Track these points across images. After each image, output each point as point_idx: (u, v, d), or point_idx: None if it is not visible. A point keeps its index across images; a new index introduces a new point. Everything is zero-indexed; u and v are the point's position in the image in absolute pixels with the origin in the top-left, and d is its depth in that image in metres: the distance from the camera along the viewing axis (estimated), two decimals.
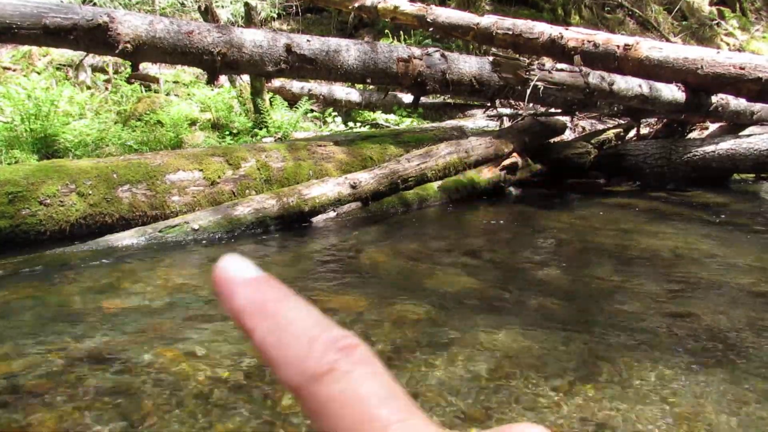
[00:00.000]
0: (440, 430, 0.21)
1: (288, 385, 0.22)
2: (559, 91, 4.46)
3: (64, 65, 6.55)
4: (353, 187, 3.58)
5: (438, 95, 6.78)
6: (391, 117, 6.99)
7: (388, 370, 0.22)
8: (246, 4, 6.00)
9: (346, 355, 0.22)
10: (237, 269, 0.24)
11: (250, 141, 5.42)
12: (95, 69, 6.52)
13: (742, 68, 4.47)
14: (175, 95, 6.43)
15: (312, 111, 6.68)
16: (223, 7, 7.78)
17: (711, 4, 13.47)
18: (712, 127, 6.14)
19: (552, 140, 5.45)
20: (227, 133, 5.69)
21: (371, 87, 6.85)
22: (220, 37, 3.52)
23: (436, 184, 4.10)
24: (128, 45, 3.22)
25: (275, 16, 8.90)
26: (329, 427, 0.21)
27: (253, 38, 3.65)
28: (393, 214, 3.76)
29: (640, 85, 4.69)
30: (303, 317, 0.23)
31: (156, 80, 6.56)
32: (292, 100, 6.54)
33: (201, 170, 3.44)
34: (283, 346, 0.22)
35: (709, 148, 4.89)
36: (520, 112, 5.35)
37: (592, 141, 5.54)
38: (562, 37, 4.95)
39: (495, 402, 1.49)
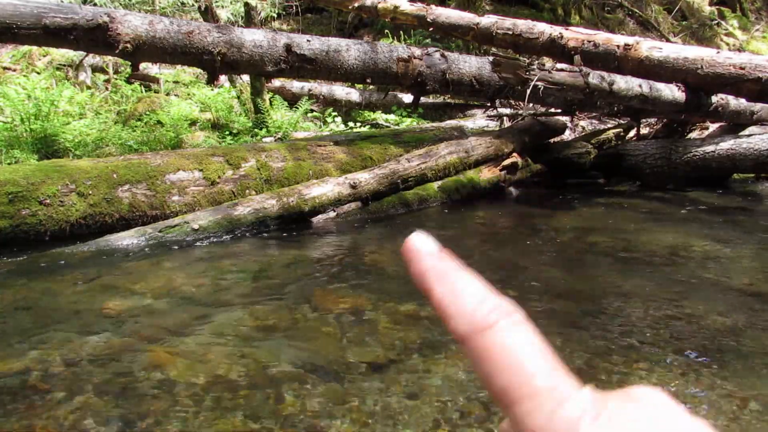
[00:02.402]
0: (587, 389, 0.25)
1: (457, 334, 0.27)
2: (559, 91, 4.46)
3: (64, 65, 6.55)
4: (353, 187, 3.58)
5: (438, 95, 6.78)
6: (391, 117, 6.99)
7: (540, 335, 0.27)
8: (246, 4, 6.00)
9: (507, 316, 0.27)
10: (423, 243, 0.30)
11: (250, 141, 5.42)
12: (95, 69, 6.52)
13: (742, 68, 4.47)
14: (175, 95, 6.43)
15: (312, 111, 6.68)
16: (223, 7, 7.78)
17: (711, 4, 13.47)
18: (712, 127, 6.13)
19: (552, 140, 5.45)
20: (227, 133, 5.69)
21: (371, 87, 6.85)
22: (220, 37, 3.52)
23: (436, 184, 4.10)
24: (128, 45, 3.22)
25: (275, 16, 8.90)
26: (487, 371, 0.26)
27: (253, 38, 3.65)
28: (393, 214, 3.76)
29: (640, 85, 4.69)
30: (473, 284, 0.28)
31: (156, 80, 6.56)
32: (292, 100, 6.54)
33: (201, 170, 3.44)
34: (457, 304, 0.27)
35: (709, 148, 4.89)
36: (520, 112, 5.35)
37: (592, 141, 5.54)
38: (562, 37, 4.95)
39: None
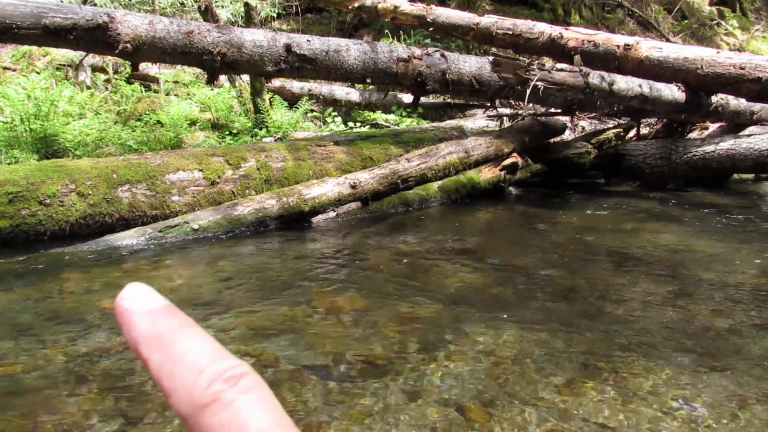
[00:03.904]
0: None
1: (178, 414, 0.23)
2: (559, 91, 4.46)
3: (64, 65, 6.55)
4: (353, 187, 3.57)
5: (438, 95, 6.78)
6: (391, 117, 6.99)
7: (275, 396, 0.23)
8: (246, 4, 6.00)
9: (231, 385, 0.23)
10: (137, 299, 0.24)
11: (250, 141, 5.42)
12: (95, 69, 6.52)
13: (742, 68, 4.47)
14: (175, 95, 6.43)
15: (312, 111, 6.68)
16: (223, 7, 7.78)
17: (711, 4, 13.47)
18: (712, 127, 6.14)
19: (552, 140, 5.45)
20: (227, 133, 5.69)
21: (371, 87, 6.85)
22: (220, 37, 3.52)
23: (436, 184, 4.11)
24: (128, 45, 3.22)
25: (275, 15, 8.90)
26: None
27: (253, 38, 3.65)
28: (393, 214, 3.76)
29: (640, 85, 4.69)
30: (196, 348, 0.24)
31: (156, 80, 6.56)
32: (292, 100, 6.54)
33: (201, 170, 3.44)
34: (174, 376, 0.23)
35: (709, 148, 4.89)
36: (520, 112, 5.35)
37: (592, 141, 5.54)
38: (562, 37, 4.95)
39: (495, 400, 1.49)
